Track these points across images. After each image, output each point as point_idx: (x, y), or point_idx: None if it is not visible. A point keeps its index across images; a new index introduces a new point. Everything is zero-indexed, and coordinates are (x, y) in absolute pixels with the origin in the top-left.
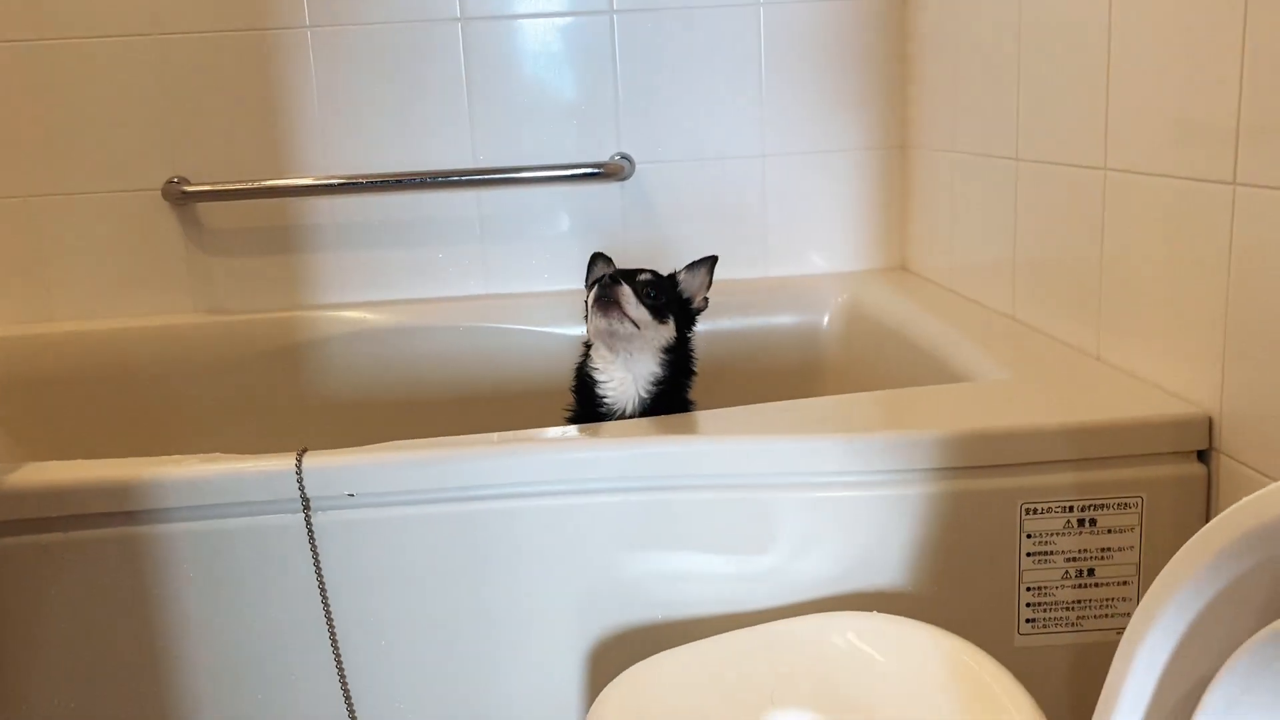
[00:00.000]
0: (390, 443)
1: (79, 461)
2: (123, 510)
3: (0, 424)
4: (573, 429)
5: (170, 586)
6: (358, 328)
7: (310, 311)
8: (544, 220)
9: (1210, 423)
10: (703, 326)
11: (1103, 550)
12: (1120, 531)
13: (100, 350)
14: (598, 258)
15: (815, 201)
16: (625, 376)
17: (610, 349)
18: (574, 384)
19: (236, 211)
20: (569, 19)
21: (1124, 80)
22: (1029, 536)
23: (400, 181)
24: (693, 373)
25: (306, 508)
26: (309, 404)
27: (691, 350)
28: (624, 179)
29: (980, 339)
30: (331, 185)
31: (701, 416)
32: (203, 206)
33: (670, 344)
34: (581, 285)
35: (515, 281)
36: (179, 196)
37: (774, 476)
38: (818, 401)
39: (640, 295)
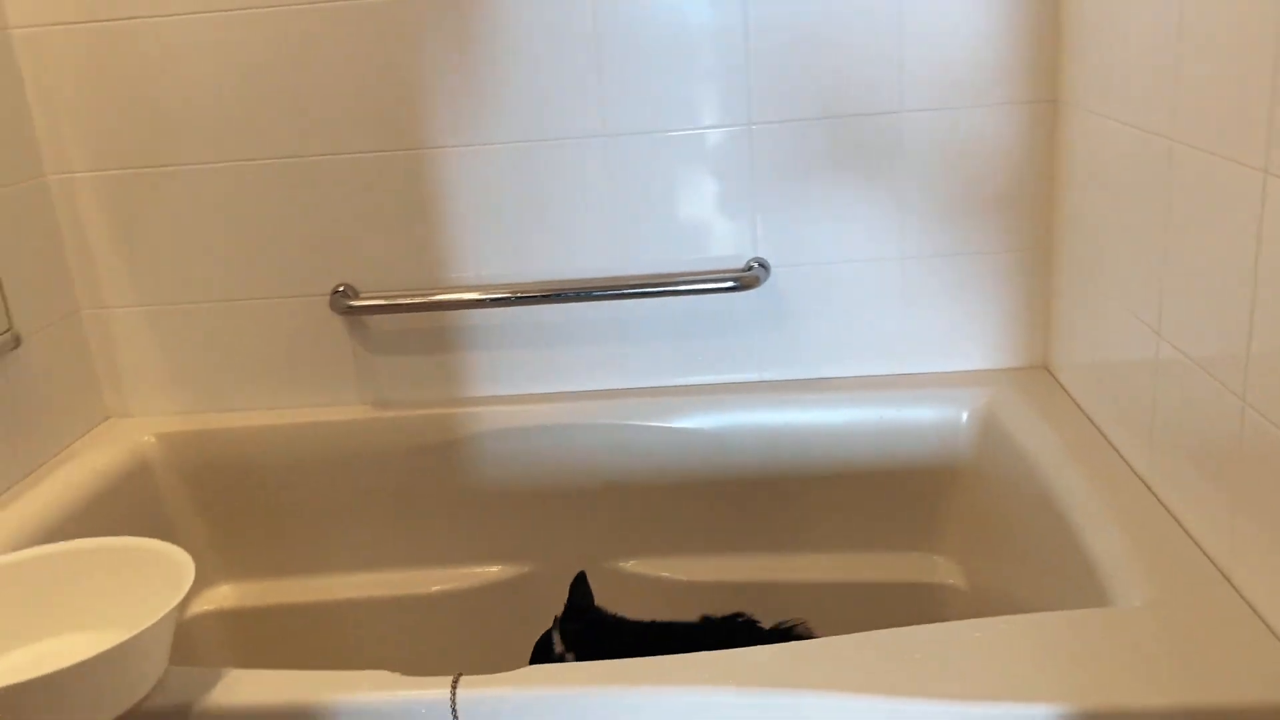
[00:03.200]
0: (540, 671)
1: (260, 674)
2: None
3: (195, 506)
4: (711, 665)
5: None
6: (509, 423)
7: (465, 408)
8: (682, 323)
9: None
10: (839, 418)
11: None
12: None
13: (274, 442)
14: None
15: (956, 301)
16: None
17: None
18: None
19: (399, 315)
20: (708, 131)
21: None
22: None
23: (546, 296)
24: None
25: None
26: (463, 492)
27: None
28: (759, 286)
29: (1114, 516)
30: (483, 300)
31: (828, 659)
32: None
33: None
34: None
35: (652, 377)
36: (345, 309)
37: None
38: (938, 631)
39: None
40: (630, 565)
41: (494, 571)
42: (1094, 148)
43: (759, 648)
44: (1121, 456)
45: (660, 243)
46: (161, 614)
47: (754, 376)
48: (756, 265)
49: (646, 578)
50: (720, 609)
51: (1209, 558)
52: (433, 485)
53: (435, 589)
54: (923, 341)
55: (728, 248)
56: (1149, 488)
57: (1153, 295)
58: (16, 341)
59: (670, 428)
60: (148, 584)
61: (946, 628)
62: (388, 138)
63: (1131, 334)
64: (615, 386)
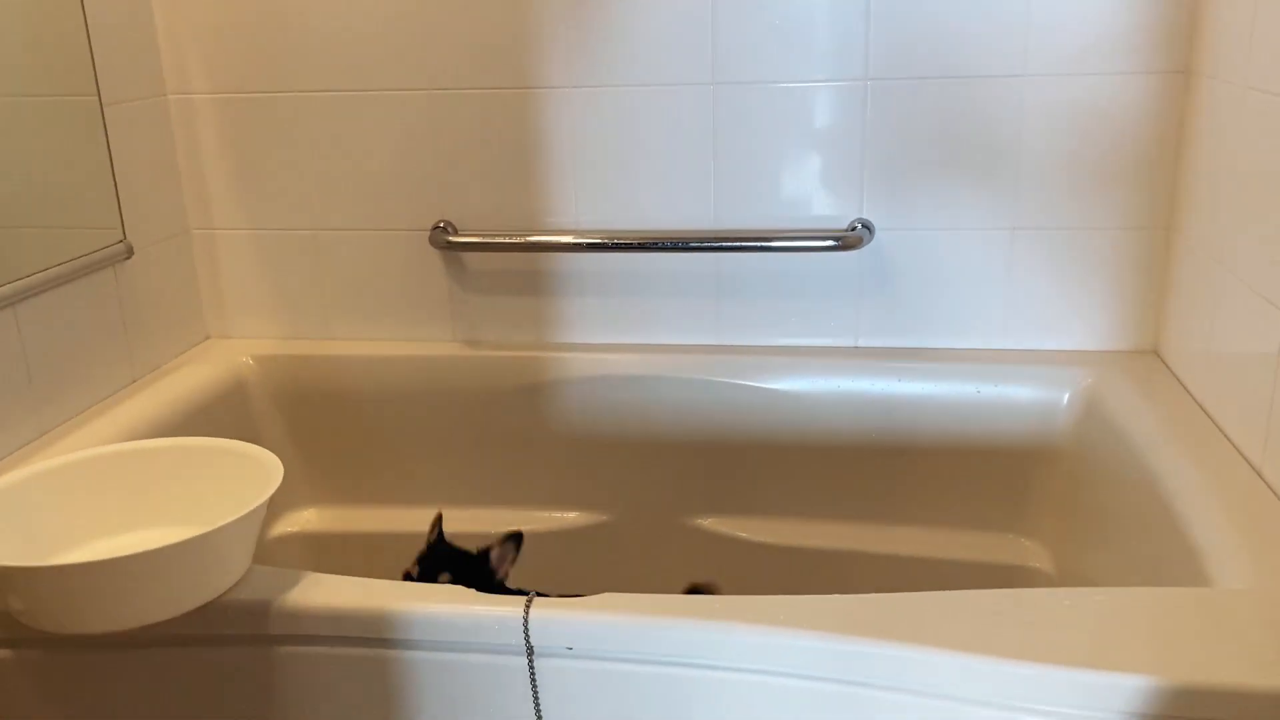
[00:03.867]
0: (610, 598)
1: (341, 580)
2: (376, 635)
3: (286, 430)
4: (793, 607)
5: (409, 709)
6: (597, 370)
7: (556, 353)
8: (779, 280)
9: None
10: (934, 390)
11: None
12: None
13: (368, 372)
14: (438, 520)
15: (1065, 277)
16: None
17: None
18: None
19: (495, 255)
20: (822, 85)
21: None
22: None
23: (644, 244)
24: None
25: (530, 654)
26: (545, 435)
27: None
28: (862, 248)
29: (1222, 503)
30: (579, 244)
31: (913, 613)
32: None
33: None
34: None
35: (747, 335)
36: (444, 244)
37: (970, 693)
38: (1027, 596)
39: None
40: (707, 523)
41: (571, 517)
42: (1229, 122)
43: (849, 596)
44: (1235, 447)
45: (763, 198)
46: (244, 512)
47: (849, 342)
48: (860, 226)
49: (722, 536)
50: (794, 575)
51: None
52: (518, 426)
53: (513, 530)
54: (1027, 317)
55: (832, 207)
56: (1263, 479)
57: None
58: (129, 251)
59: (760, 387)
60: (238, 484)
61: (1038, 593)
62: (503, 75)
63: (1258, 322)
64: (707, 342)
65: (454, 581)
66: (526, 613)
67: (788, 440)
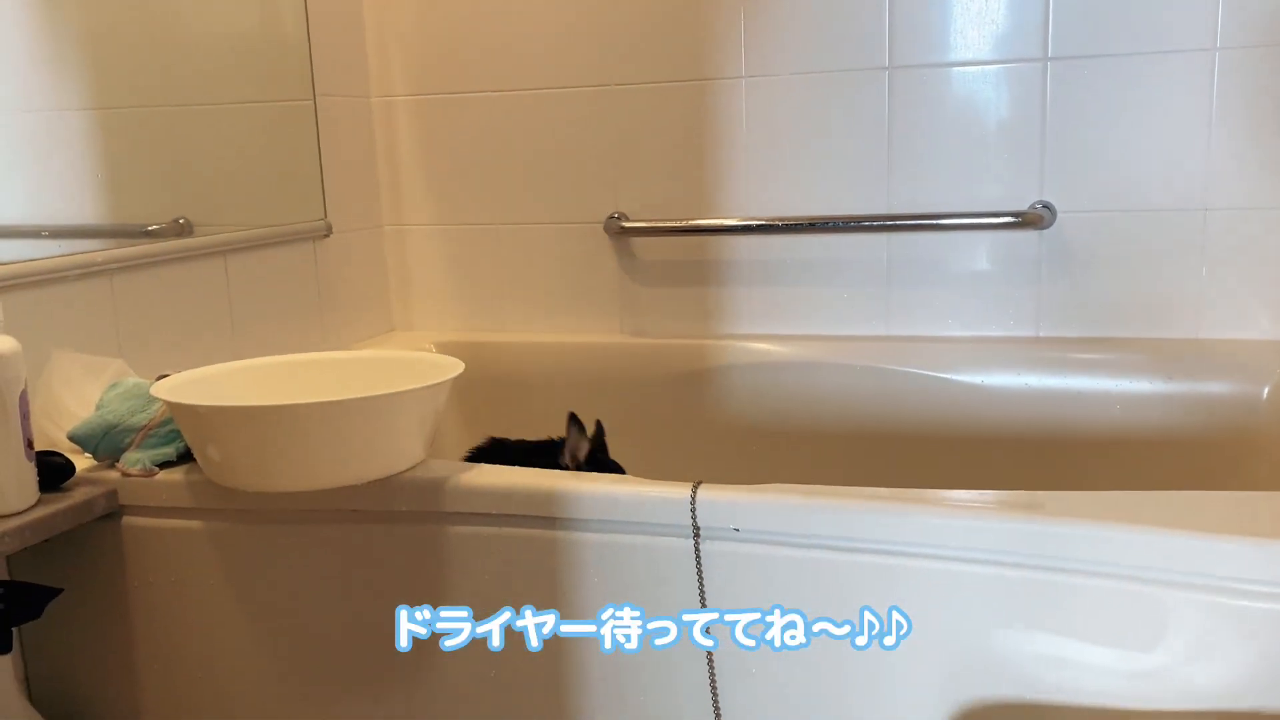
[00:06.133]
0: (778, 485)
1: (510, 469)
2: (544, 515)
3: (460, 413)
4: (964, 495)
5: (575, 588)
6: (762, 359)
7: (721, 341)
8: (954, 266)
9: None
10: (1124, 386)
11: None
12: None
13: (539, 359)
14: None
15: (1266, 260)
16: None
17: None
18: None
19: (666, 246)
20: (998, 67)
21: None
22: None
23: (815, 225)
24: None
25: (697, 535)
26: (711, 426)
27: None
28: (1043, 228)
29: None
30: (750, 226)
31: (1103, 499)
32: (637, 240)
33: None
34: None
35: (919, 325)
36: (618, 231)
37: (1170, 573)
38: (1231, 496)
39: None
40: None
41: None
42: None
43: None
44: None
45: (941, 180)
46: (422, 385)
47: (1030, 332)
48: (1041, 206)
49: None
50: None
51: None
52: (679, 414)
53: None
54: (1220, 305)
55: (1011, 189)
56: None
57: None
58: (329, 230)
59: (932, 376)
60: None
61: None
62: (679, 67)
63: None
64: (878, 333)
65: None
66: (694, 496)
67: (957, 432)
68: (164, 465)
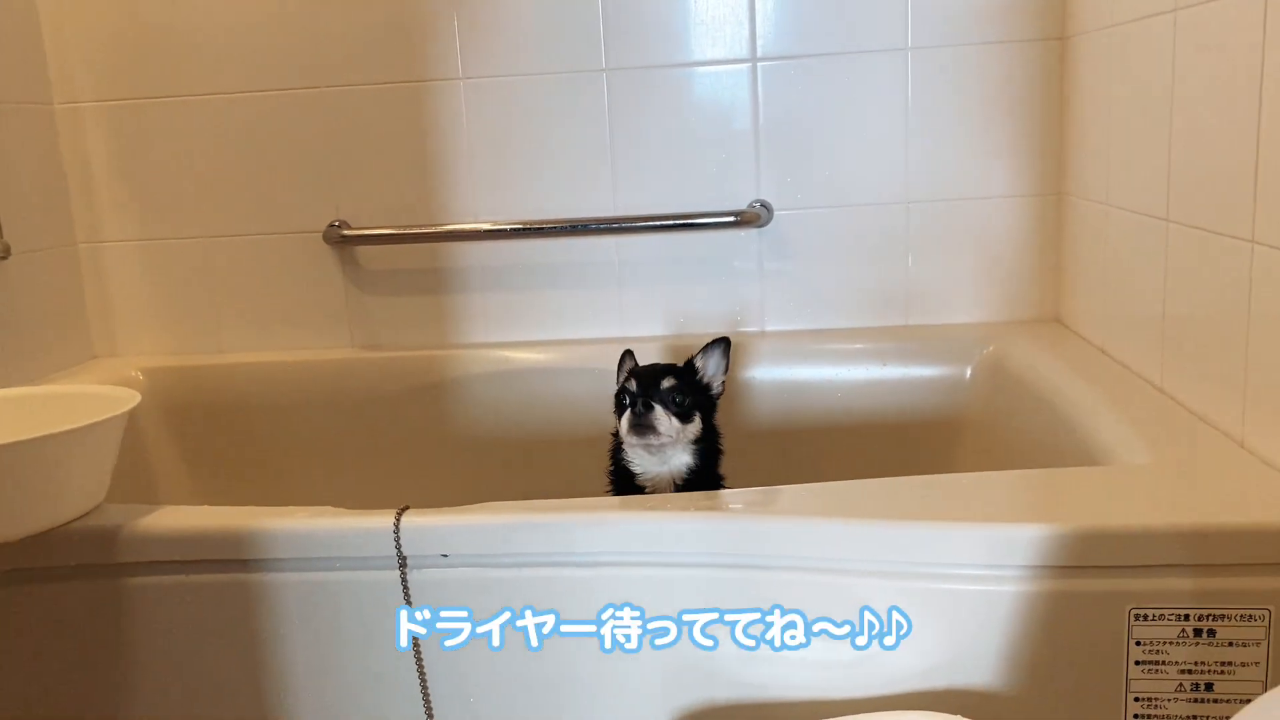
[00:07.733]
0: (485, 505)
1: (200, 509)
2: (237, 558)
3: (177, 445)
4: (663, 500)
5: (275, 632)
6: (501, 366)
7: (458, 350)
8: (681, 266)
9: None
10: (843, 373)
11: (1223, 664)
12: (1244, 645)
13: (262, 381)
14: (627, 355)
15: (964, 249)
16: (661, 470)
17: (647, 453)
18: (611, 468)
19: (393, 254)
20: (711, 69)
21: (1275, 150)
22: (1138, 644)
23: (543, 229)
24: (720, 451)
25: (403, 566)
26: (452, 439)
27: (718, 432)
28: (761, 226)
29: (1124, 414)
30: (479, 231)
31: (797, 492)
32: (361, 249)
33: (698, 435)
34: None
35: (653, 325)
36: (338, 240)
37: (865, 562)
38: (919, 481)
39: (668, 405)
40: None
41: None
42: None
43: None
44: (1134, 372)
45: (663, 181)
46: (84, 423)
47: (756, 328)
48: (759, 205)
49: None
50: None
51: (1223, 432)
52: (419, 429)
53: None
54: (927, 293)
55: (731, 188)
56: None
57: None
58: (6, 250)
59: None
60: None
61: (945, 477)
62: (394, 69)
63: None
64: (614, 335)
65: (677, 386)
66: (398, 523)
67: None
68: None
